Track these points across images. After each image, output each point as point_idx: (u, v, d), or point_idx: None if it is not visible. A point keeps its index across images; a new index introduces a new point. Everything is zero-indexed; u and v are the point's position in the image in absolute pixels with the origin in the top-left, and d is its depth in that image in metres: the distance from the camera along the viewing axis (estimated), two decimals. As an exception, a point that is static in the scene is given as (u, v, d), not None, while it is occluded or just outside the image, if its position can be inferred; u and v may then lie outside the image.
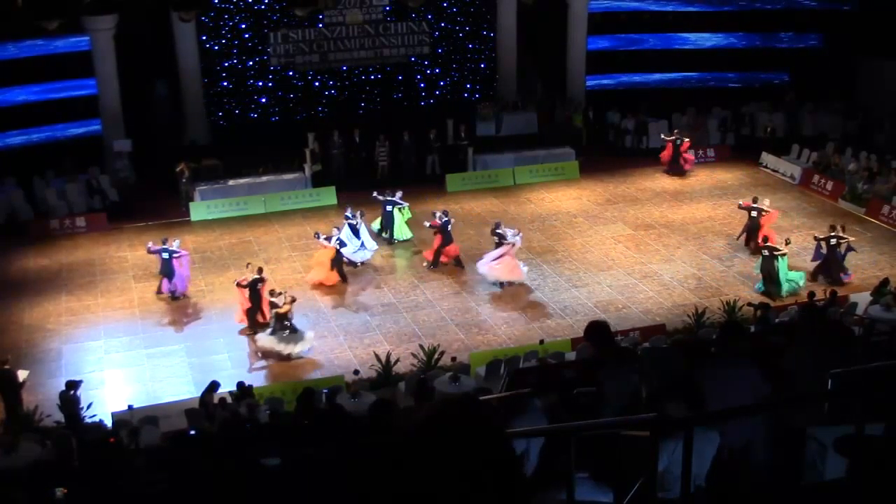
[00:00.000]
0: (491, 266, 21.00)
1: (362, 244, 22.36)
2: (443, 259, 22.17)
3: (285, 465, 7.56)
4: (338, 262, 21.24)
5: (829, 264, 21.05)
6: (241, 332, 19.24)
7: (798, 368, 7.19)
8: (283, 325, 18.17)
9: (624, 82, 33.23)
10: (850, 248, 21.29)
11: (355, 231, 22.38)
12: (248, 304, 19.17)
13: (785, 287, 20.29)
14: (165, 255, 20.69)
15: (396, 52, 30.29)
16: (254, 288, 19.13)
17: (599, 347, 7.61)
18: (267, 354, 18.40)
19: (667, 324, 18.75)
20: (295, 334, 18.26)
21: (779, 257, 20.28)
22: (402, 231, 23.76)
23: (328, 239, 21.19)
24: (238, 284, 19.44)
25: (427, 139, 28.43)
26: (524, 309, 20.18)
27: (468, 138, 29.06)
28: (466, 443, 2.54)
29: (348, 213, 22.63)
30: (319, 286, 21.15)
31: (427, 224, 22.35)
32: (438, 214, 22.25)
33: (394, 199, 23.64)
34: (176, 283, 20.76)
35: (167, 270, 20.74)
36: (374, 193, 23.92)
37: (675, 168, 28.76)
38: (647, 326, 18.48)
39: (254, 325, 19.15)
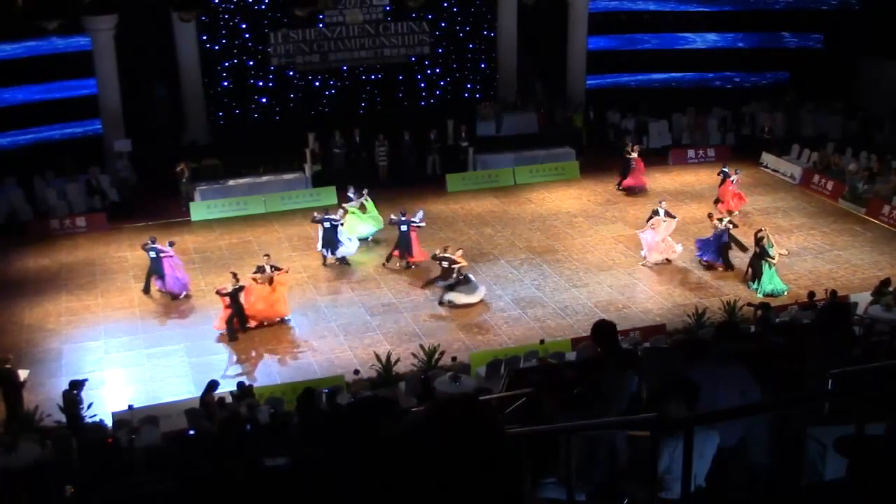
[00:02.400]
0: (652, 247, 22.01)
1: (340, 243, 22.31)
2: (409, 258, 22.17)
3: (287, 465, 7.57)
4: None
5: (720, 249, 21.64)
6: (220, 338, 19.10)
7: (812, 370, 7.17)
8: (460, 279, 20.13)
9: (624, 82, 33.24)
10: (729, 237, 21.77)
11: (335, 230, 22.25)
12: (228, 312, 19.02)
13: (766, 287, 20.35)
14: (152, 254, 20.69)
15: (396, 52, 30.28)
16: (235, 297, 18.99)
17: (604, 348, 7.59)
18: (452, 306, 20.01)
19: (667, 324, 18.76)
20: (469, 285, 20.23)
21: (767, 262, 20.44)
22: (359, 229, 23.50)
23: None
24: (218, 293, 19.28)
25: (427, 139, 28.44)
26: (525, 308, 20.19)
27: (468, 138, 29.07)
28: (466, 443, 2.54)
29: (334, 217, 22.35)
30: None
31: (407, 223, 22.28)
32: (418, 215, 22.31)
33: (354, 198, 23.65)
34: (168, 284, 20.76)
35: (156, 269, 20.75)
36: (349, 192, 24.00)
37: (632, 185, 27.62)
38: (648, 326, 18.48)
39: (232, 332, 18.97)
